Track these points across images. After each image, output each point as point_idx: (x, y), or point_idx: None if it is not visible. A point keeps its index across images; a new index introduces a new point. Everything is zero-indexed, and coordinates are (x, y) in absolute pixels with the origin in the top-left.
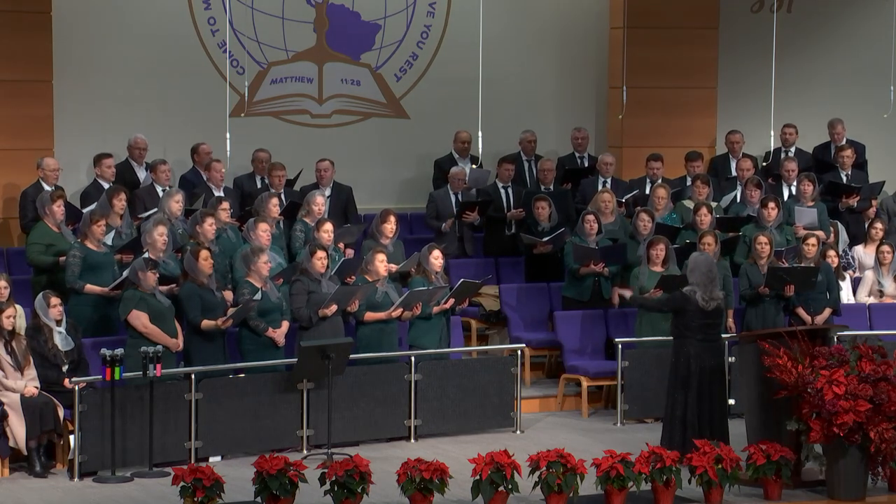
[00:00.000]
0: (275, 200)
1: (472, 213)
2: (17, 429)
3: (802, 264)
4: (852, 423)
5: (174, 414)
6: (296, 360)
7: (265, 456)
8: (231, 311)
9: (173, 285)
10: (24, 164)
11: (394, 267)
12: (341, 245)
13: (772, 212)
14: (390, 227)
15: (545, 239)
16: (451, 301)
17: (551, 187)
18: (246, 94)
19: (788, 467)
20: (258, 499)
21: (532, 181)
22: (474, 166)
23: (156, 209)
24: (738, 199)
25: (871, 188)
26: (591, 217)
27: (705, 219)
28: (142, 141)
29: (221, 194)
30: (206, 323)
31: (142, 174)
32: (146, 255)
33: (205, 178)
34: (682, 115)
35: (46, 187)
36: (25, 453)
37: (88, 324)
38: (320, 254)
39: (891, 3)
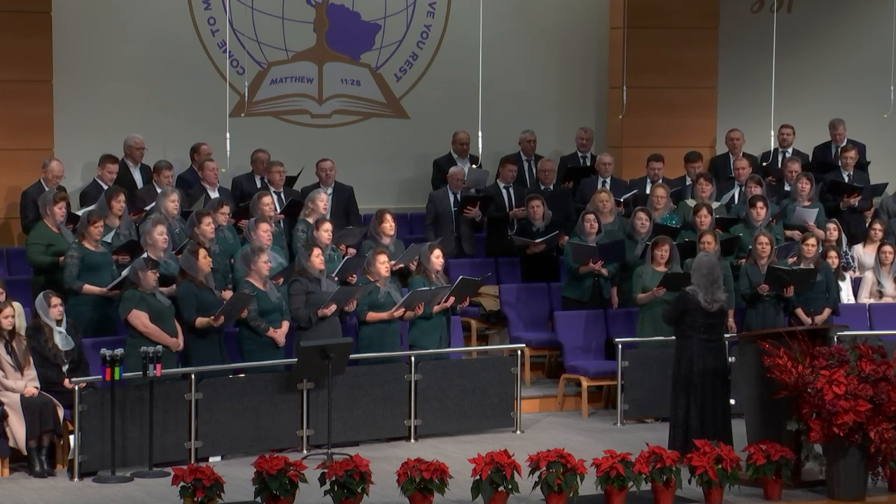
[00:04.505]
0: (266, 199)
1: (474, 208)
2: (17, 429)
3: (801, 265)
4: (852, 423)
5: (174, 414)
6: (296, 360)
7: (265, 456)
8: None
9: (174, 286)
10: (24, 165)
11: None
12: (342, 246)
13: (760, 211)
14: (388, 226)
15: (538, 240)
16: (452, 299)
17: (551, 187)
18: (246, 94)
19: (788, 467)
20: (258, 499)
21: (532, 181)
22: (473, 166)
23: (153, 203)
24: (738, 199)
25: (873, 189)
26: (591, 217)
27: (705, 219)
28: (139, 140)
29: (216, 194)
30: (200, 320)
31: (137, 175)
32: (146, 254)
33: (199, 178)
34: (682, 115)
35: (47, 188)
36: (25, 453)
37: (88, 324)
38: (317, 251)
39: (890, 3)
